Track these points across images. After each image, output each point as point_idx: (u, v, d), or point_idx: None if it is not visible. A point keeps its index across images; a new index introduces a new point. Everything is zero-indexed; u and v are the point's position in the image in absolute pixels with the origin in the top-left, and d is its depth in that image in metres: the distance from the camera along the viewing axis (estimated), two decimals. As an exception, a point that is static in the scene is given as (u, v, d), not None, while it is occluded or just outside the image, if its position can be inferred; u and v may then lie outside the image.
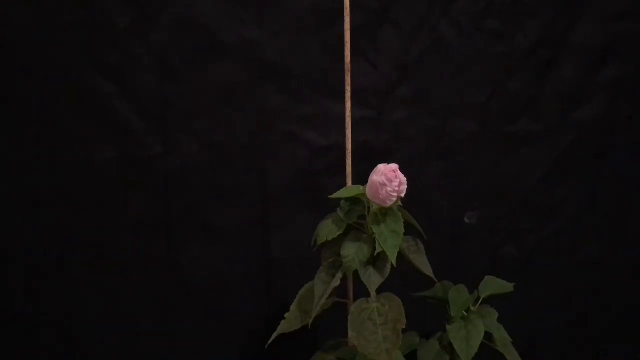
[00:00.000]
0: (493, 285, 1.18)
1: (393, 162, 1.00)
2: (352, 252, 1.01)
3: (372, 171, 1.01)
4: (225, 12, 1.23)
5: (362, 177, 1.02)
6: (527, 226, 1.43)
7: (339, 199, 1.05)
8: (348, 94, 1.09)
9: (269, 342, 1.08)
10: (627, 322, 1.50)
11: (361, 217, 1.05)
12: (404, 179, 1.00)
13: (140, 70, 1.23)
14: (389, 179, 0.98)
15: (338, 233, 1.02)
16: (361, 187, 1.03)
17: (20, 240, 1.26)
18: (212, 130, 1.28)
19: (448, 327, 1.11)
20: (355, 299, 1.07)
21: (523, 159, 1.39)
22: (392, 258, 0.98)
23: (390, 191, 0.98)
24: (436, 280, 1.10)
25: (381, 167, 1.00)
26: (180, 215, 1.30)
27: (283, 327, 1.07)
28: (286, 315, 1.08)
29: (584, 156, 1.40)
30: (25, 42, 1.18)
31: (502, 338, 1.14)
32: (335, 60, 1.20)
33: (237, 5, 1.23)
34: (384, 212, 1.01)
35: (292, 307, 1.08)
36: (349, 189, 1.05)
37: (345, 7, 1.07)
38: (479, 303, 1.16)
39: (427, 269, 1.08)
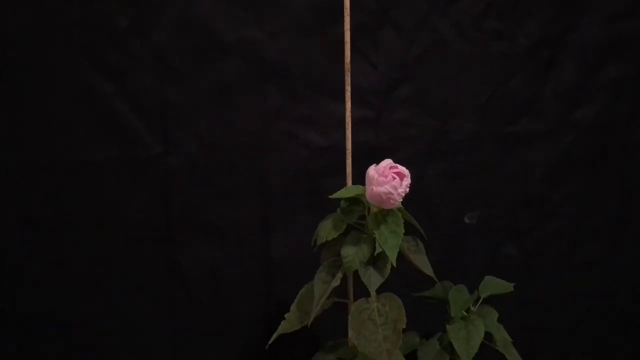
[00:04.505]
0: (493, 285, 1.18)
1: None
2: (352, 252, 1.01)
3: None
4: (226, 12, 1.23)
5: (362, 177, 1.02)
6: (527, 226, 1.43)
7: (339, 199, 1.05)
8: (348, 94, 1.09)
9: (269, 342, 1.08)
10: (627, 322, 1.50)
11: (361, 217, 1.05)
12: (407, 171, 0.99)
13: (140, 70, 1.23)
14: (393, 187, 0.97)
15: (338, 233, 1.02)
16: (361, 187, 1.03)
17: (19, 240, 1.26)
18: (212, 130, 1.28)
19: (448, 327, 1.11)
20: (355, 299, 1.07)
21: (523, 159, 1.39)
22: (392, 258, 0.98)
23: (401, 192, 0.98)
24: (436, 279, 1.10)
25: (373, 173, 0.98)
26: (180, 215, 1.30)
27: (283, 327, 1.07)
28: (286, 315, 1.08)
29: (584, 156, 1.40)
30: (25, 42, 1.18)
31: (502, 338, 1.14)
32: (335, 60, 1.20)
33: (237, 5, 1.23)
34: (384, 213, 1.01)
35: (292, 307, 1.08)
36: (349, 189, 1.05)
37: (345, 7, 1.07)
38: (479, 303, 1.16)
39: (428, 269, 1.08)
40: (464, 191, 1.38)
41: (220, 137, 1.28)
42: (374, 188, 0.98)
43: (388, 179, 0.97)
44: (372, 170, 0.99)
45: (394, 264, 0.99)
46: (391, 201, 0.98)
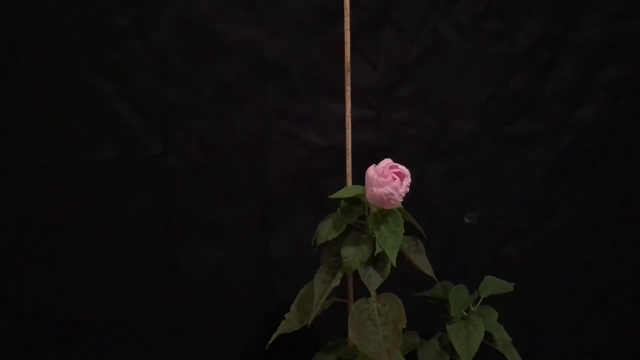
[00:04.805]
0: (493, 285, 1.18)
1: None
2: (352, 252, 1.01)
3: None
4: (226, 12, 1.23)
5: (362, 177, 1.02)
6: (527, 226, 1.43)
7: (339, 199, 1.05)
8: (348, 94, 1.09)
9: (269, 342, 1.08)
10: (627, 322, 1.50)
11: (361, 217, 1.05)
12: (407, 171, 0.99)
13: (140, 70, 1.23)
14: (394, 187, 0.97)
15: (338, 233, 1.02)
16: (361, 187, 1.03)
17: (20, 240, 1.26)
18: (212, 130, 1.28)
19: (448, 327, 1.11)
20: (355, 299, 1.07)
21: (523, 159, 1.39)
22: (392, 258, 0.98)
23: (402, 192, 0.98)
24: (436, 279, 1.10)
25: (373, 174, 0.97)
26: (180, 215, 1.30)
27: (283, 327, 1.07)
28: (286, 315, 1.08)
29: (584, 156, 1.40)
30: (26, 42, 1.18)
31: (502, 338, 1.14)
32: (335, 60, 1.20)
33: (237, 5, 1.23)
34: (384, 213, 1.01)
35: (292, 307, 1.08)
36: (349, 189, 1.05)
37: (345, 7, 1.07)
38: (479, 303, 1.16)
39: (428, 269, 1.08)
40: (464, 191, 1.38)
41: (220, 137, 1.28)
42: (375, 189, 0.97)
43: (388, 180, 0.97)
44: (371, 171, 0.99)
45: (394, 264, 0.99)
46: (392, 202, 0.98)
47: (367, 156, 1.11)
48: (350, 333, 1.02)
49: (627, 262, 1.47)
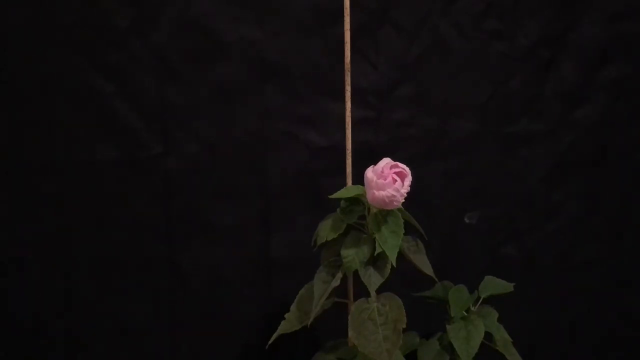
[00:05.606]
0: (493, 285, 1.18)
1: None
2: (352, 252, 1.01)
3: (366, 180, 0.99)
4: (225, 12, 1.23)
5: (362, 177, 1.02)
6: (527, 226, 1.43)
7: (339, 199, 1.05)
8: (348, 94, 1.09)
9: (269, 342, 1.08)
10: (627, 323, 1.50)
11: (361, 217, 1.05)
12: (407, 170, 0.99)
13: (140, 70, 1.23)
14: (396, 189, 0.96)
15: (338, 233, 1.02)
16: (361, 187, 1.03)
17: (20, 240, 1.26)
18: (212, 130, 1.28)
19: (448, 327, 1.11)
20: (355, 299, 1.07)
21: (523, 159, 1.39)
22: (392, 258, 0.98)
23: (404, 192, 0.97)
24: (437, 279, 1.10)
25: (372, 175, 0.97)
26: (180, 215, 1.30)
27: (283, 327, 1.07)
28: (286, 315, 1.08)
29: (584, 156, 1.40)
30: (25, 42, 1.18)
31: (502, 338, 1.14)
32: (335, 60, 1.20)
33: (237, 5, 1.23)
34: (384, 213, 1.01)
35: (292, 307, 1.08)
36: (349, 189, 1.05)
37: (345, 7, 1.07)
38: (479, 303, 1.16)
39: (428, 269, 1.08)
40: (464, 191, 1.38)
41: (220, 137, 1.28)
42: (375, 192, 0.97)
43: (388, 182, 0.96)
44: (370, 173, 0.98)
45: (394, 264, 0.99)
46: (394, 203, 0.97)
47: (367, 156, 1.11)
48: (350, 333, 1.02)
49: (627, 262, 1.47)
